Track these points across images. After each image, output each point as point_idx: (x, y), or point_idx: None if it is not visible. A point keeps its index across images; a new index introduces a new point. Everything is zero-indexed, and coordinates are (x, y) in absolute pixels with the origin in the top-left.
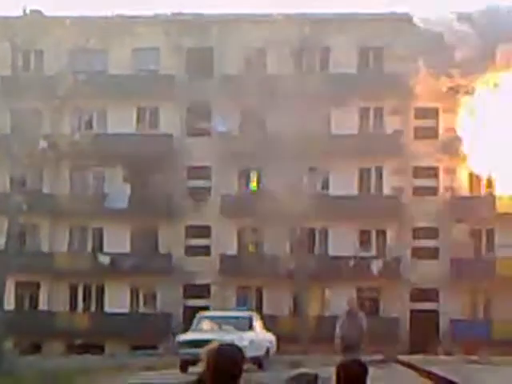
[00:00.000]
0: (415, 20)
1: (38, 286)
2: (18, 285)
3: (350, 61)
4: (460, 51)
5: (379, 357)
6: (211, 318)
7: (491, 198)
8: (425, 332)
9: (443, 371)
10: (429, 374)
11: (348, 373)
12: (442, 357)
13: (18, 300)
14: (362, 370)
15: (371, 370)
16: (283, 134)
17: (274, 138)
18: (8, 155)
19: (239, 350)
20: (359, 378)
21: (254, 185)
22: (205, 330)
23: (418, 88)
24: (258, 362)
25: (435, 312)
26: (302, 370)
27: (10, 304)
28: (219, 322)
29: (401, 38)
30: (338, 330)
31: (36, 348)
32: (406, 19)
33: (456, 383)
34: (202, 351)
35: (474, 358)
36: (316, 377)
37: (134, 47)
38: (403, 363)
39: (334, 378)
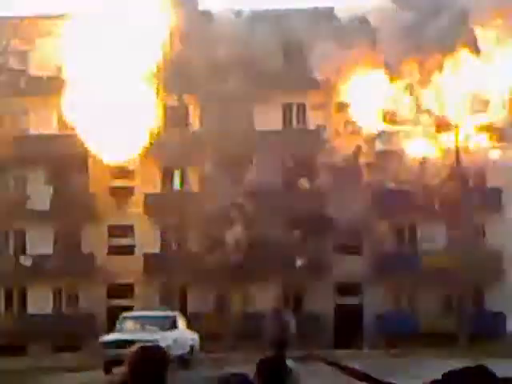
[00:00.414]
0: (336, 12)
1: None
2: None
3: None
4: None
5: (305, 352)
6: (135, 318)
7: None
8: (349, 327)
9: (365, 366)
10: (350, 371)
11: (268, 369)
12: (366, 351)
13: None
14: (280, 366)
15: (302, 367)
16: (206, 133)
17: (197, 137)
18: None
19: (161, 349)
20: (278, 374)
21: (177, 183)
22: (128, 330)
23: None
24: (183, 361)
25: (359, 306)
26: (231, 370)
27: None
28: (143, 321)
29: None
30: (266, 327)
31: None
32: (329, 13)
33: (376, 379)
34: (127, 352)
35: (397, 351)
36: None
37: (55, 47)
38: (323, 360)
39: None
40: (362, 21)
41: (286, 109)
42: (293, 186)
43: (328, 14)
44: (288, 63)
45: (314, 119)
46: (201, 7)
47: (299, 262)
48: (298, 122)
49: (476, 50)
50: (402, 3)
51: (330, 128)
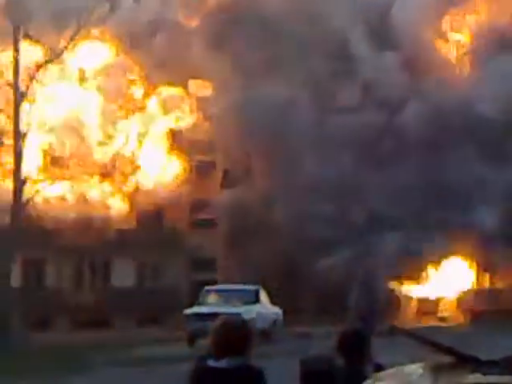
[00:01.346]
0: None
1: None
2: None
3: None
4: None
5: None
6: (218, 292)
7: None
8: None
9: None
10: (433, 344)
11: (349, 341)
12: None
13: None
14: (362, 338)
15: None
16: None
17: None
18: None
19: (245, 322)
20: (359, 347)
21: None
22: (211, 303)
23: None
24: (265, 335)
25: (215, 281)
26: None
27: None
28: (225, 295)
29: None
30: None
31: None
32: None
33: (459, 352)
34: (210, 325)
35: None
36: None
37: None
38: (405, 333)
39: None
40: None
41: None
42: None
43: None
44: None
45: None
46: None
47: None
48: None
49: None
50: None
51: None
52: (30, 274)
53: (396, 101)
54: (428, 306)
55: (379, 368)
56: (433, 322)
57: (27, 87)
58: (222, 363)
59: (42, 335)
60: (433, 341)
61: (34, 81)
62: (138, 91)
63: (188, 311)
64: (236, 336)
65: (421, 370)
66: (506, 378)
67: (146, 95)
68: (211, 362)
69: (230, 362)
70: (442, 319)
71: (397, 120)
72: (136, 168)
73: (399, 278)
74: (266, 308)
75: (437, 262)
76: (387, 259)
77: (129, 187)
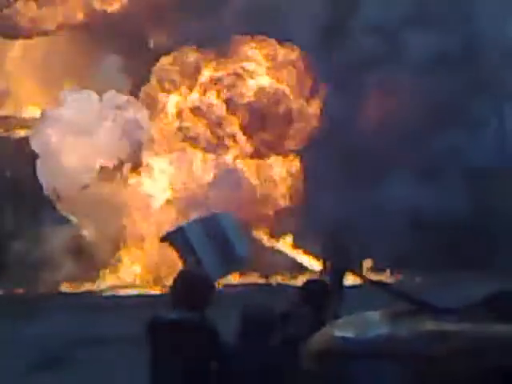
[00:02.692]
0: None
1: None
2: None
3: None
4: None
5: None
6: None
7: None
8: None
9: None
10: (389, 289)
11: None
12: None
13: None
14: (324, 288)
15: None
16: None
17: None
18: None
19: (206, 276)
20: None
21: None
22: None
23: None
24: None
25: None
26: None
27: None
28: None
29: None
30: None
31: None
32: None
33: (414, 298)
34: None
35: None
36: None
37: None
38: (365, 280)
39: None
40: None
41: None
42: None
43: None
44: None
45: None
46: None
47: None
48: None
49: None
50: None
51: None
52: None
53: None
54: None
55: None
56: None
57: None
58: (173, 315)
59: None
60: (393, 288)
61: None
62: None
63: None
64: (191, 289)
65: (379, 317)
66: (463, 326)
67: None
68: (164, 313)
69: (181, 315)
70: None
71: None
72: None
73: None
74: None
75: None
76: None
77: None
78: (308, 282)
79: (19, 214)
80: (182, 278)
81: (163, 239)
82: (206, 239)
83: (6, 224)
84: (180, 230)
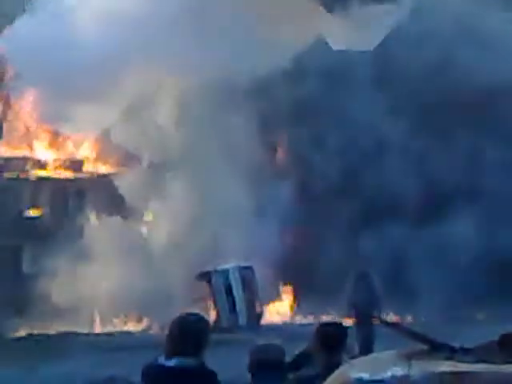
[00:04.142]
0: None
1: None
2: None
3: None
4: None
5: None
6: None
7: None
8: None
9: None
10: (407, 332)
11: (327, 333)
12: None
13: None
14: (340, 330)
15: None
16: None
17: None
18: None
19: (202, 320)
20: (336, 339)
21: None
22: None
23: None
24: None
25: None
26: None
27: None
28: None
29: None
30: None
31: None
32: None
33: (433, 340)
34: None
35: None
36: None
37: None
38: (382, 321)
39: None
40: None
41: None
42: None
43: None
44: None
45: None
46: None
47: None
48: None
49: None
50: None
51: None
52: None
53: None
54: None
55: None
56: None
57: None
58: (171, 362)
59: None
60: (408, 328)
61: None
62: None
63: None
64: (189, 335)
65: (394, 357)
66: (479, 366)
67: None
68: (161, 360)
69: (179, 362)
70: None
71: None
72: None
73: None
74: None
75: None
76: None
77: None
78: (323, 325)
79: (39, 255)
80: (179, 324)
81: (200, 277)
82: (241, 286)
83: (26, 264)
84: (224, 272)
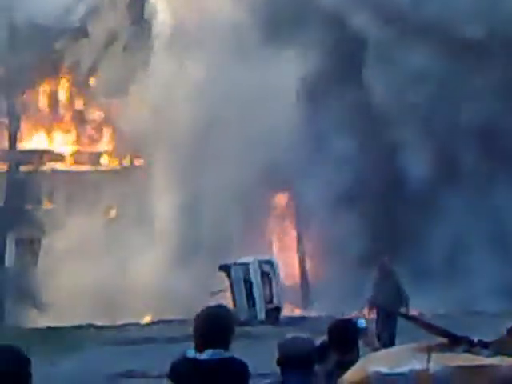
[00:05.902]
0: None
1: None
2: None
3: None
4: None
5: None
6: None
7: None
8: None
9: None
10: (427, 326)
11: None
12: None
13: None
14: (351, 327)
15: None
16: None
17: None
18: None
19: (229, 312)
20: (348, 335)
21: None
22: None
23: None
24: None
25: None
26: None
27: None
28: None
29: None
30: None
31: None
32: None
33: (454, 334)
34: None
35: None
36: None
37: None
38: (402, 315)
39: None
40: None
41: None
42: None
43: None
44: None
45: None
46: None
47: None
48: None
49: None
50: None
51: None
52: None
53: None
54: None
55: None
56: None
57: None
58: (203, 355)
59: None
60: (427, 322)
61: None
62: None
63: None
64: (219, 327)
65: (413, 351)
66: (496, 360)
67: None
68: (192, 354)
69: (213, 354)
70: None
71: None
72: None
73: None
74: None
75: None
76: None
77: None
78: (336, 322)
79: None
80: (208, 317)
81: (221, 268)
82: (260, 279)
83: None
84: (243, 265)
